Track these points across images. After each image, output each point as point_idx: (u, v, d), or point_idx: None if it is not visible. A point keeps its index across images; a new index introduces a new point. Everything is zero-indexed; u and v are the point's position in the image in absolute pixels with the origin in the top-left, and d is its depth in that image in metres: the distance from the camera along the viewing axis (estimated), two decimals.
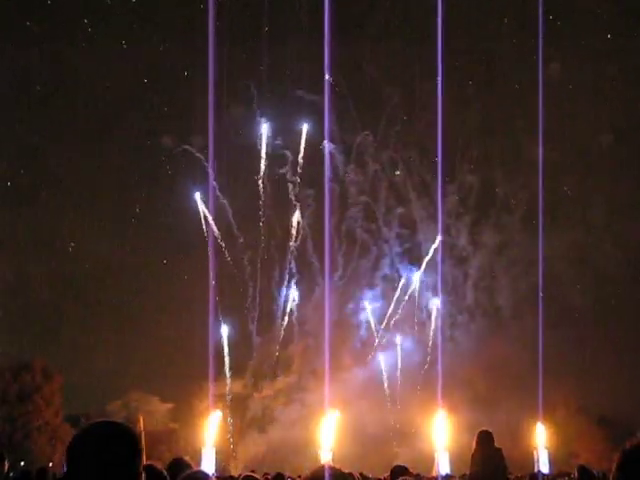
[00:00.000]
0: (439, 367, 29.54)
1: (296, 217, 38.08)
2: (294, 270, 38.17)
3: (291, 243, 38.09)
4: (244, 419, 37.95)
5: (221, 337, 36.41)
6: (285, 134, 38.07)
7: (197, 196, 37.03)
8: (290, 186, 37.98)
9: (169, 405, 37.48)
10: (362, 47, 37.48)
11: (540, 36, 33.39)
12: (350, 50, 36.58)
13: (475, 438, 8.89)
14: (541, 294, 35.23)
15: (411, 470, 14.11)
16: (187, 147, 37.02)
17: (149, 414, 36.44)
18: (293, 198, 38.11)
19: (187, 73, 37.38)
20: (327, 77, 32.65)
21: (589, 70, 37.36)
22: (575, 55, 36.94)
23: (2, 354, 35.32)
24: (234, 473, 27.42)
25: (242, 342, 37.73)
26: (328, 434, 30.36)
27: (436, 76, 37.00)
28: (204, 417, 31.64)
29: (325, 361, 32.57)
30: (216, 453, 29.44)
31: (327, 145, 37.61)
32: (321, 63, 35.53)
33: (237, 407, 37.74)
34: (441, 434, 28.52)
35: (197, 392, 35.40)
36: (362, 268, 38.77)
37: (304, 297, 38.24)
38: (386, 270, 38.71)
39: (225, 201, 37.25)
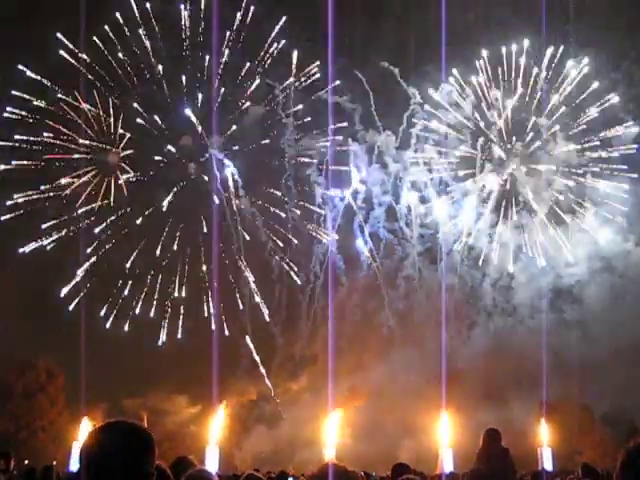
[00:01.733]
0: (443, 366, 29.56)
1: (321, 217, 38.43)
2: (318, 271, 38.51)
3: (316, 244, 38.49)
4: (252, 415, 38.27)
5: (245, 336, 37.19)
6: (310, 134, 38.29)
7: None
8: (315, 187, 38.21)
9: (196, 406, 37.48)
10: (382, 45, 37.75)
11: (544, 28, 33.50)
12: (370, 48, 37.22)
13: (482, 436, 8.86)
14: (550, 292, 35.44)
15: (415, 468, 14.11)
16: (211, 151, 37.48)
17: (175, 415, 36.53)
18: (319, 200, 38.34)
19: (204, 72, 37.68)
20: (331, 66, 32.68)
21: (607, 60, 37.33)
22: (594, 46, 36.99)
23: (6, 353, 35.37)
24: (240, 469, 27.48)
25: (265, 344, 38.33)
26: (332, 432, 30.38)
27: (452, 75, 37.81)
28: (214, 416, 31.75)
29: (329, 362, 32.69)
30: (220, 451, 29.44)
31: (330, 145, 37.77)
32: (344, 63, 36.39)
33: (250, 405, 38.16)
34: (446, 432, 28.49)
35: (223, 393, 35.99)
36: (385, 268, 39.07)
37: (328, 298, 38.50)
38: (409, 270, 38.91)
39: (251, 205, 37.71)
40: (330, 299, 37.16)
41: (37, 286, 35.58)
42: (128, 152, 37.91)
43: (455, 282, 38.48)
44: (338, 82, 37.33)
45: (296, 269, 38.55)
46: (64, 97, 36.82)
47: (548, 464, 27.14)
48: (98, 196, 37.68)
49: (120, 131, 37.64)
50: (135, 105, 37.48)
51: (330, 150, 37.64)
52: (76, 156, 37.48)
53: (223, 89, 37.71)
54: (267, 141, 38.38)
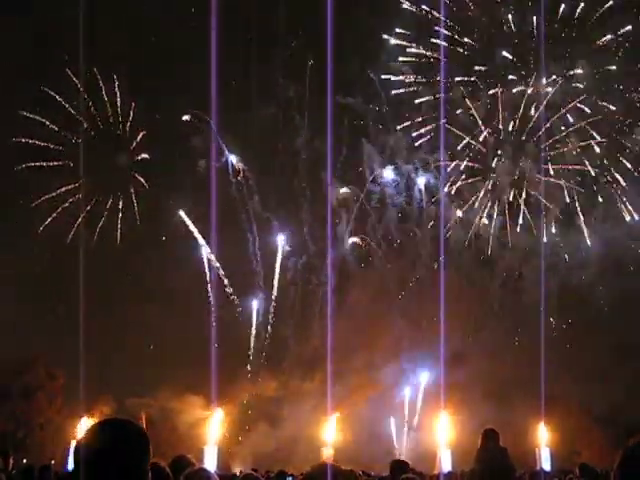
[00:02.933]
0: (442, 366, 29.61)
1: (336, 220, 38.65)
2: (331, 274, 38.72)
3: (330, 245, 38.68)
4: (255, 414, 38.38)
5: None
6: (323, 136, 38.50)
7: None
8: (330, 189, 38.44)
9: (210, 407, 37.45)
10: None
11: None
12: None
13: (480, 436, 8.86)
14: (543, 288, 35.45)
15: (414, 468, 14.12)
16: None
17: (187, 415, 36.35)
18: (333, 201, 38.58)
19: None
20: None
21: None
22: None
23: (4, 352, 35.32)
24: (239, 469, 27.50)
25: (279, 345, 38.64)
26: (331, 432, 30.51)
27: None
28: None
29: (328, 363, 32.81)
30: (219, 450, 29.48)
31: (330, 146, 37.73)
32: (358, 64, 36.56)
33: (254, 404, 38.30)
34: (444, 432, 28.56)
35: (233, 392, 36.32)
36: (397, 269, 39.38)
37: (341, 300, 38.72)
38: (420, 272, 39.16)
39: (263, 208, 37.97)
40: (329, 300, 37.32)
41: (38, 286, 35.58)
42: (143, 156, 37.50)
43: (464, 283, 38.63)
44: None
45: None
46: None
47: (546, 464, 27.21)
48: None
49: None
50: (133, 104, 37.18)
51: (329, 151, 37.67)
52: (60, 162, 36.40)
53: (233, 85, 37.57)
54: (280, 143, 38.47)
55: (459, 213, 38.91)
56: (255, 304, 38.37)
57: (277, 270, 38.37)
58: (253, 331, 38.32)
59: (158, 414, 35.40)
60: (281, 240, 38.30)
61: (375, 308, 38.78)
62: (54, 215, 36.44)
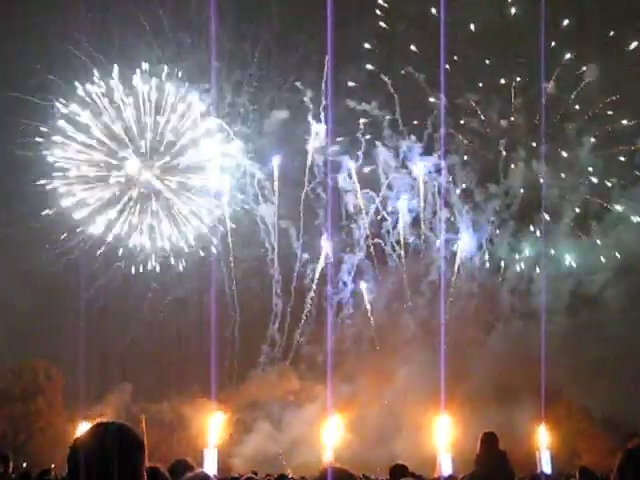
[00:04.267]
0: (442, 369, 29.60)
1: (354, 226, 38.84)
2: (350, 280, 38.93)
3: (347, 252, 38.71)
4: (259, 415, 38.38)
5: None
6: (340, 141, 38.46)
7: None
8: (348, 195, 38.51)
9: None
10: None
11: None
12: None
13: (479, 439, 8.85)
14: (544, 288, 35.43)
15: (413, 471, 14.11)
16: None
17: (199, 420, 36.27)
18: (351, 207, 38.64)
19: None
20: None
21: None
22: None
23: (3, 353, 35.32)
24: (240, 471, 27.47)
25: (293, 349, 39.13)
26: (331, 434, 30.48)
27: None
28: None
29: (328, 363, 32.83)
30: (219, 454, 29.43)
31: (330, 148, 37.81)
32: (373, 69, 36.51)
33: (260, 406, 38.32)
34: (444, 436, 28.52)
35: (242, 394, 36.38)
36: (412, 273, 39.49)
37: (357, 306, 39.11)
38: (433, 275, 39.19)
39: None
40: (329, 303, 37.44)
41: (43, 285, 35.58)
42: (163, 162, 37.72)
43: (474, 287, 38.73)
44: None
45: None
46: None
47: (547, 467, 27.17)
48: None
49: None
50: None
51: (330, 149, 37.73)
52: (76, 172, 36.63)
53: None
54: (296, 148, 38.48)
55: (470, 218, 39.08)
56: (273, 310, 38.71)
57: (294, 277, 38.71)
58: (268, 336, 38.68)
59: (163, 417, 35.41)
60: (298, 246, 38.61)
61: (389, 312, 39.08)
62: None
